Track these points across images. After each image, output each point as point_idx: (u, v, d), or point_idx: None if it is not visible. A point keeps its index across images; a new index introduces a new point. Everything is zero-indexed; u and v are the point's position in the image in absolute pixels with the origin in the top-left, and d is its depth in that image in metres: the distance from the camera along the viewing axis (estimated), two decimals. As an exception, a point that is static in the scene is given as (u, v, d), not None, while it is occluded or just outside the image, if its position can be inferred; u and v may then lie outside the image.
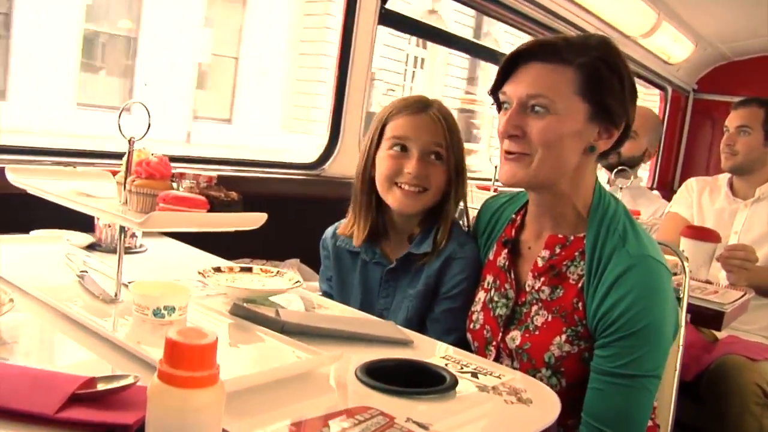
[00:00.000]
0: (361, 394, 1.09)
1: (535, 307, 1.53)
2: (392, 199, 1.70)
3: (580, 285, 1.48)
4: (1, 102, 13.01)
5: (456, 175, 1.69)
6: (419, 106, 1.70)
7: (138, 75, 15.35)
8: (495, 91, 1.55)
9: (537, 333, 1.51)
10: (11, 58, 13.41)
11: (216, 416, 0.77)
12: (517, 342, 1.52)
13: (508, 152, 1.49)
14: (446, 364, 1.24)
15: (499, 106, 1.55)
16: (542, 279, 1.53)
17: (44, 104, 13.39)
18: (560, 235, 1.54)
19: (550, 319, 1.50)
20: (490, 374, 1.22)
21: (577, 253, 1.51)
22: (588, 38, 1.51)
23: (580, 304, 1.47)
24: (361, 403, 1.04)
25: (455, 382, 1.14)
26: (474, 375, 1.21)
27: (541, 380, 1.47)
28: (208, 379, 0.75)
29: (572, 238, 1.52)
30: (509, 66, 1.50)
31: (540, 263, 1.54)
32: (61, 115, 13.54)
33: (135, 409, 0.87)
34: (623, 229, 1.48)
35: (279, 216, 2.31)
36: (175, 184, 1.29)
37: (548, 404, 1.14)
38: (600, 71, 1.45)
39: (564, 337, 1.47)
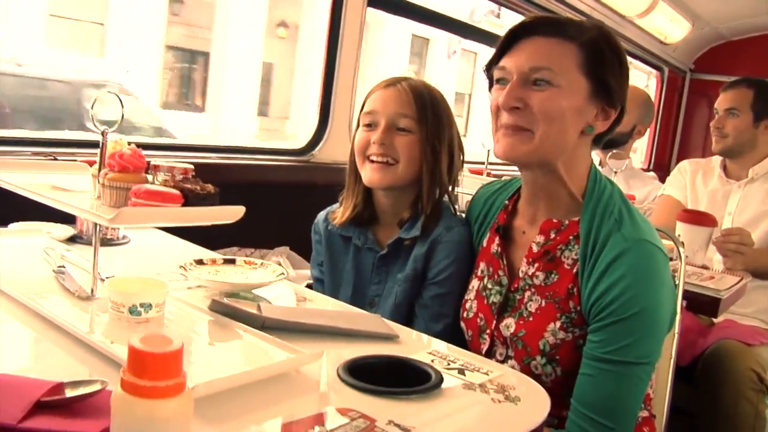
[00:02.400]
0: (342, 394, 1.06)
1: (528, 293, 1.51)
2: (365, 173, 1.69)
3: (575, 270, 1.45)
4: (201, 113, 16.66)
5: (431, 152, 1.66)
6: (390, 81, 1.70)
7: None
8: (491, 66, 1.53)
9: (531, 319, 1.48)
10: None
11: (183, 426, 0.73)
12: (512, 329, 1.50)
13: (507, 127, 1.46)
14: (432, 360, 1.20)
15: (491, 82, 1.53)
16: (536, 264, 1.51)
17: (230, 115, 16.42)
18: (555, 220, 1.51)
19: (543, 304, 1.48)
20: (478, 370, 1.19)
21: (571, 237, 1.48)
22: (584, 21, 1.51)
23: (575, 289, 1.44)
24: (342, 403, 1.01)
25: (440, 381, 1.10)
26: (461, 372, 1.17)
27: (536, 368, 1.45)
28: (173, 389, 0.71)
29: (567, 222, 1.50)
30: (508, 41, 1.48)
31: (535, 249, 1.51)
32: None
33: (102, 417, 0.83)
34: (619, 212, 1.45)
35: (268, 203, 2.28)
36: (150, 177, 1.25)
37: (537, 403, 1.10)
38: (602, 50, 1.44)
39: (558, 324, 1.44)
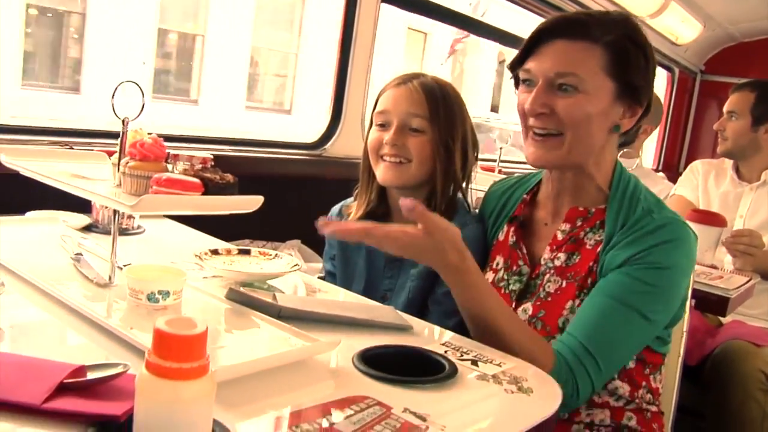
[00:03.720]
0: (358, 381, 1.07)
1: (547, 276, 1.52)
2: (379, 172, 1.70)
3: (597, 250, 1.47)
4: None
5: (444, 150, 1.66)
6: (402, 80, 1.70)
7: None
8: (515, 66, 1.53)
9: (549, 300, 1.50)
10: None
11: (206, 408, 0.75)
12: (530, 312, 1.51)
13: (536, 132, 1.47)
14: (446, 351, 1.21)
15: (517, 81, 1.54)
16: (559, 250, 1.52)
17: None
18: (581, 208, 1.53)
19: (564, 285, 1.49)
20: (491, 362, 1.20)
21: (598, 222, 1.50)
22: (610, 14, 1.50)
23: (595, 266, 1.46)
24: (358, 391, 1.02)
25: (454, 371, 1.12)
26: (474, 363, 1.19)
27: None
28: (197, 371, 0.72)
29: (593, 210, 1.52)
30: (533, 42, 1.49)
31: (560, 236, 1.53)
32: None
33: (125, 399, 0.84)
34: (646, 201, 1.48)
35: (280, 196, 2.29)
36: (170, 166, 1.26)
37: (549, 394, 1.11)
38: (627, 49, 1.44)
39: (577, 301, 1.46)
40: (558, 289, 1.49)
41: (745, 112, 2.91)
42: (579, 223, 1.52)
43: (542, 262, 1.54)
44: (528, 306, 1.52)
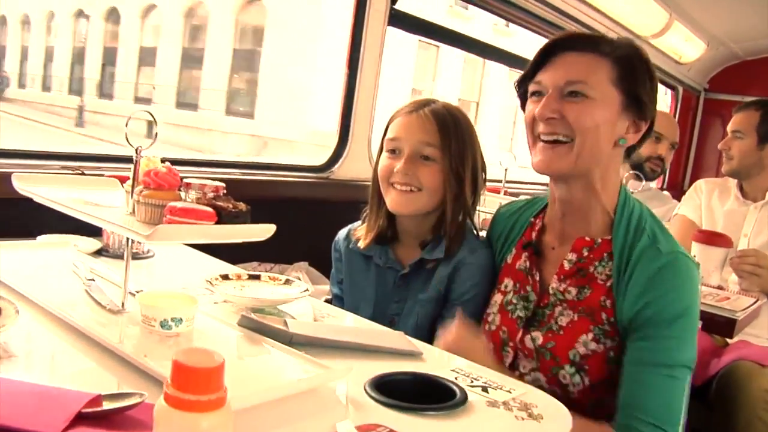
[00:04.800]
0: (370, 409, 1.08)
1: (559, 308, 1.53)
2: (389, 200, 1.71)
3: (608, 284, 1.48)
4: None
5: (455, 178, 1.68)
6: (414, 107, 1.71)
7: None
8: (525, 81, 1.56)
9: (561, 333, 1.51)
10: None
11: (224, 439, 0.76)
12: (540, 341, 1.52)
13: (545, 139, 1.49)
14: (456, 377, 1.22)
15: (524, 97, 1.57)
16: (568, 281, 1.53)
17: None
18: (588, 238, 1.54)
19: (576, 318, 1.50)
20: (501, 388, 1.21)
21: (605, 254, 1.51)
22: (618, 38, 1.55)
23: (608, 302, 1.48)
24: (369, 418, 1.03)
25: (465, 398, 1.12)
26: (484, 389, 1.19)
27: (564, 378, 1.47)
28: (215, 403, 0.73)
29: (600, 240, 1.53)
30: (542, 56, 1.53)
31: (567, 266, 1.54)
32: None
33: (142, 430, 0.86)
34: (651, 229, 1.50)
35: (288, 219, 2.30)
36: (183, 194, 1.28)
37: (559, 421, 1.12)
38: (635, 65, 1.49)
39: (591, 335, 1.47)
40: (570, 323, 1.50)
41: (750, 131, 2.91)
42: (585, 254, 1.53)
43: (551, 291, 1.55)
44: (538, 335, 1.53)
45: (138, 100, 24.63)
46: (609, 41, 1.51)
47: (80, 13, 26.55)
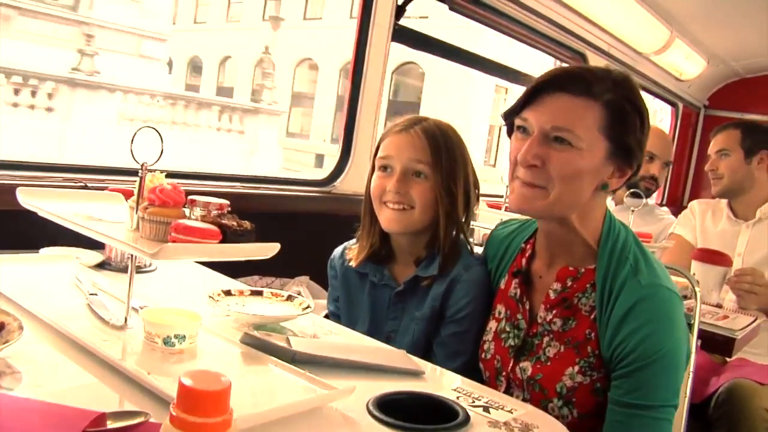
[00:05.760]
0: (373, 428, 1.08)
1: (546, 338, 1.52)
2: (382, 218, 1.71)
3: (592, 317, 1.48)
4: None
5: (447, 195, 1.67)
6: (405, 125, 1.71)
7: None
8: (511, 114, 1.53)
9: (549, 364, 1.50)
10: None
11: (228, 461, 0.76)
12: (528, 373, 1.52)
13: (523, 182, 1.47)
14: (458, 397, 1.23)
15: (510, 129, 1.54)
16: (554, 311, 1.52)
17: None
18: (571, 268, 1.53)
19: (562, 350, 1.50)
20: (502, 408, 1.21)
21: (588, 285, 1.50)
22: (611, 72, 1.49)
23: (593, 334, 1.47)
24: (372, 438, 1.03)
25: (467, 418, 1.13)
26: (485, 409, 1.20)
27: (553, 410, 1.46)
28: (222, 425, 0.74)
29: (583, 270, 1.52)
30: (532, 93, 1.48)
31: (552, 295, 1.53)
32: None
33: (146, 449, 0.86)
34: (634, 258, 1.48)
35: (289, 232, 2.31)
36: (187, 211, 1.28)
37: (560, 442, 1.13)
38: (625, 110, 1.44)
39: (577, 368, 1.47)
40: (557, 354, 1.50)
41: (735, 147, 2.97)
42: (569, 284, 1.52)
43: (539, 320, 1.55)
44: (527, 366, 1.53)
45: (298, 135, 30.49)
46: (602, 80, 1.45)
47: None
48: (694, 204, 3.22)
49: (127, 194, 1.49)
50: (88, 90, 15.79)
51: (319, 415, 1.10)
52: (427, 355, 1.63)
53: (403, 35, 2.88)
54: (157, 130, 1.33)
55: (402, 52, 3.24)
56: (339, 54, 26.76)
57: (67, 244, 1.80)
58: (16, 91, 14.88)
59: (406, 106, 24.99)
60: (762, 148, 2.94)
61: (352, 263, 1.77)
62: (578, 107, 1.43)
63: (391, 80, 25.96)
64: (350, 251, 1.81)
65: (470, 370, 1.62)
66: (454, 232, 1.72)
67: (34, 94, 15.11)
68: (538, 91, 1.47)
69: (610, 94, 1.43)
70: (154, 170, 1.33)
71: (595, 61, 4.02)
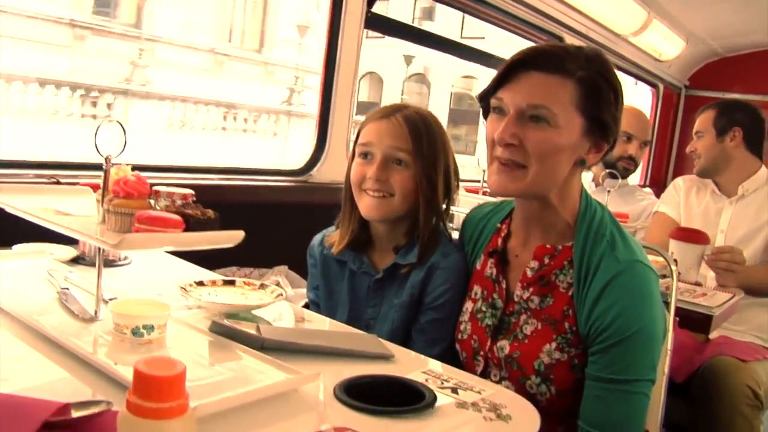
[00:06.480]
0: (340, 413, 1.09)
1: (524, 317, 1.53)
2: (362, 205, 1.70)
3: (570, 293, 1.48)
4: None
5: (427, 183, 1.67)
6: (385, 113, 1.70)
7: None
8: (487, 95, 1.53)
9: (526, 342, 1.51)
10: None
11: (187, 445, 0.76)
12: (506, 351, 1.52)
13: (501, 162, 1.48)
14: (426, 380, 1.23)
15: (486, 110, 1.54)
16: (531, 289, 1.53)
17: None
18: (548, 245, 1.54)
19: (539, 327, 1.50)
20: (471, 389, 1.22)
21: (565, 262, 1.51)
22: (583, 49, 1.50)
23: (570, 311, 1.47)
24: (339, 422, 1.04)
25: (434, 399, 1.14)
26: (454, 390, 1.20)
27: (531, 388, 1.47)
28: (176, 410, 0.74)
29: (560, 247, 1.52)
30: (506, 72, 1.48)
31: (529, 274, 1.54)
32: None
33: (108, 437, 0.86)
34: (611, 235, 1.49)
35: (267, 223, 2.31)
36: (152, 202, 1.28)
37: (527, 420, 1.13)
38: (599, 86, 1.45)
39: (554, 344, 1.47)
40: (534, 332, 1.51)
41: (708, 128, 3.01)
42: (547, 261, 1.52)
43: (515, 299, 1.55)
44: (505, 344, 1.54)
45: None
46: (575, 57, 1.45)
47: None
48: (679, 180, 3.23)
49: (96, 188, 1.49)
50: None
51: (286, 401, 1.11)
52: (406, 342, 1.63)
53: (377, 22, 2.87)
54: (121, 124, 1.33)
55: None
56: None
57: (41, 240, 1.80)
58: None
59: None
60: (735, 125, 2.96)
61: (333, 250, 1.77)
62: (552, 84, 1.43)
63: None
64: (330, 238, 1.81)
65: (449, 356, 1.62)
66: (433, 220, 1.72)
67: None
68: (511, 70, 1.47)
69: (583, 71, 1.44)
70: (119, 164, 1.33)
71: (573, 43, 4.01)
